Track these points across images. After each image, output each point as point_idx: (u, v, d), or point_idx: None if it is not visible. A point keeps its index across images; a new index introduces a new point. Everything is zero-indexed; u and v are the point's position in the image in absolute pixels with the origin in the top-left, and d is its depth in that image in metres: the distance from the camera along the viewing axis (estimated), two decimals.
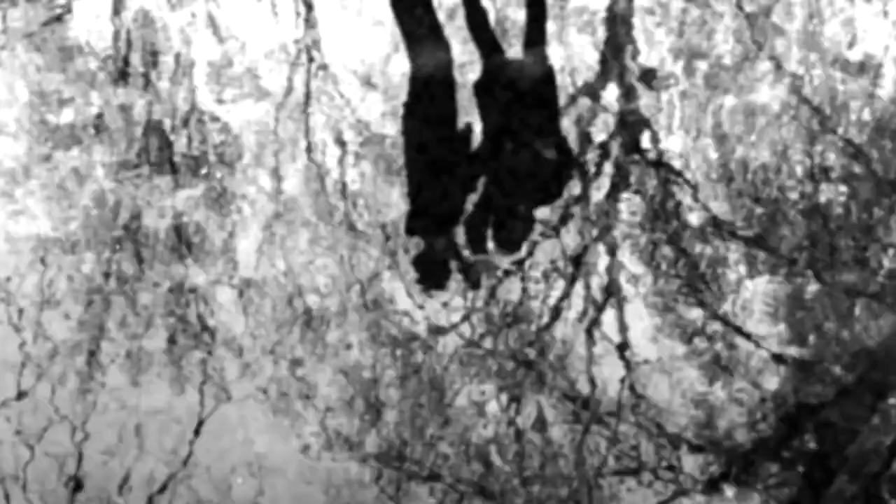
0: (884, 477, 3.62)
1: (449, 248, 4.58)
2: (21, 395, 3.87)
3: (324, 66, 5.82)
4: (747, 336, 4.14)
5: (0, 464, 3.61)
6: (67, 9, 6.17)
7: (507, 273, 4.43)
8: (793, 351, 4.07)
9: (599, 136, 5.25)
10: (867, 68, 5.70)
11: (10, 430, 3.73)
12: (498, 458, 3.67)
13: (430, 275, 4.42)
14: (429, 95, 5.58)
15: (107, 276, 4.38)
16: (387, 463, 3.64)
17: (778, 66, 5.73)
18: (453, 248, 4.58)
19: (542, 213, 4.74)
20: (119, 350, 4.06)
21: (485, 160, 5.07)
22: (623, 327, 4.19)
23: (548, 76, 5.64)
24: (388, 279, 4.39)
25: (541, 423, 3.77)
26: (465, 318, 4.22)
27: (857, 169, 4.98)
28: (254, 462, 3.62)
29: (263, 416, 3.79)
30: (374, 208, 4.77)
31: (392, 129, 5.29)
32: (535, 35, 5.92)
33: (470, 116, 5.33)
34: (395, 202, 4.79)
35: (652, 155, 5.11)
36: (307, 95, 5.59)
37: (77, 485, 3.50)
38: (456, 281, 4.38)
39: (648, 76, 5.66)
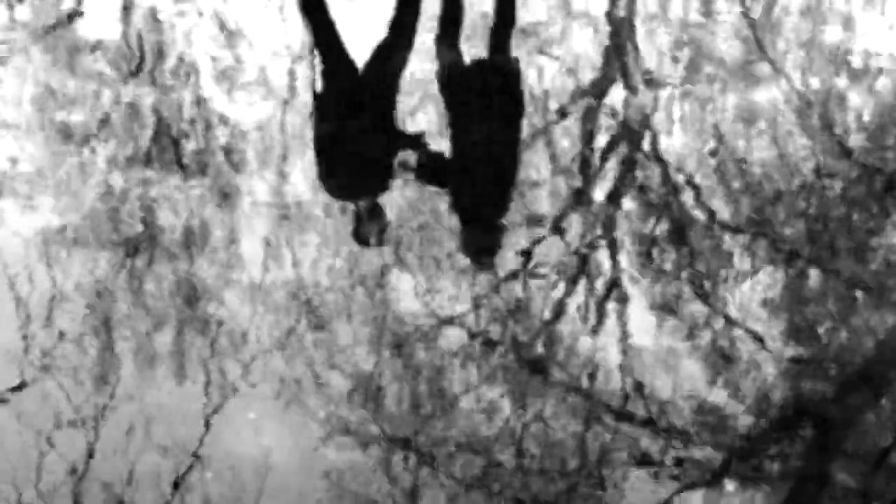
0: (882, 471, 3.62)
1: (375, 211, 4.65)
2: (29, 389, 3.87)
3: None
4: (748, 331, 4.15)
5: (9, 457, 3.62)
6: (77, 9, 6.18)
7: (511, 273, 4.45)
8: (792, 346, 4.08)
9: (602, 135, 5.27)
10: (866, 69, 5.71)
11: (19, 423, 3.74)
12: (501, 452, 3.68)
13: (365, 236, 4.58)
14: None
15: (116, 272, 4.39)
16: (392, 455, 3.66)
17: (778, 67, 5.74)
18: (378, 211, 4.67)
19: (544, 211, 4.76)
20: (127, 345, 4.07)
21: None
22: (625, 323, 4.20)
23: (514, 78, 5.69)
24: (393, 276, 4.40)
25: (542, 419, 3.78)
26: (472, 311, 4.23)
27: (855, 167, 4.99)
28: (261, 455, 3.63)
29: (271, 410, 3.80)
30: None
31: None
32: (500, 38, 5.97)
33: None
34: (400, 201, 4.80)
35: (653, 154, 5.12)
36: (313, 93, 5.60)
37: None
38: (458, 277, 4.40)
39: (649, 77, 5.67)
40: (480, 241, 4.61)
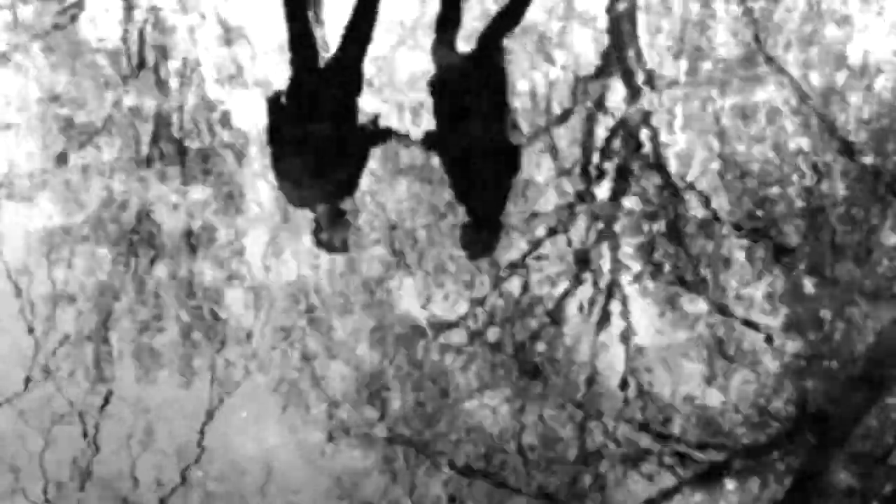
0: (882, 470, 3.63)
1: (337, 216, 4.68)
2: (32, 389, 3.88)
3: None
4: (749, 327, 4.15)
5: (12, 457, 3.62)
6: (79, 8, 6.18)
7: (512, 267, 4.45)
8: (792, 345, 4.08)
9: (604, 134, 5.27)
10: (865, 67, 5.71)
11: (22, 422, 3.74)
12: (503, 449, 3.68)
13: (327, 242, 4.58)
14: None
15: (118, 271, 4.39)
16: (394, 453, 3.66)
17: (778, 66, 5.74)
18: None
19: (547, 209, 4.76)
20: (129, 344, 4.07)
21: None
22: (627, 321, 4.21)
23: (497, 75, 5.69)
24: (395, 276, 4.40)
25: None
26: (472, 313, 4.24)
27: (854, 166, 4.99)
28: (263, 454, 3.63)
29: (272, 409, 3.81)
30: (380, 206, 4.78)
31: (399, 125, 5.31)
32: (495, 34, 5.98)
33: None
34: (402, 200, 4.81)
35: (653, 153, 5.12)
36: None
37: None
38: (461, 278, 4.40)
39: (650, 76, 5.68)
40: (480, 237, 4.61)
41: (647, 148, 5.17)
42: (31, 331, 4.10)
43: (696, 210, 4.75)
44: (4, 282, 4.33)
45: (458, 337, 4.11)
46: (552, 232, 4.64)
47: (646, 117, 5.36)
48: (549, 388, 3.90)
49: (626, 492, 3.55)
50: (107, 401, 3.83)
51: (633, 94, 5.57)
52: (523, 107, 5.48)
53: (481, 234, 4.61)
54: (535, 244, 4.56)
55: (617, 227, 4.66)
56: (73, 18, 6.12)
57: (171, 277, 4.36)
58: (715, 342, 4.10)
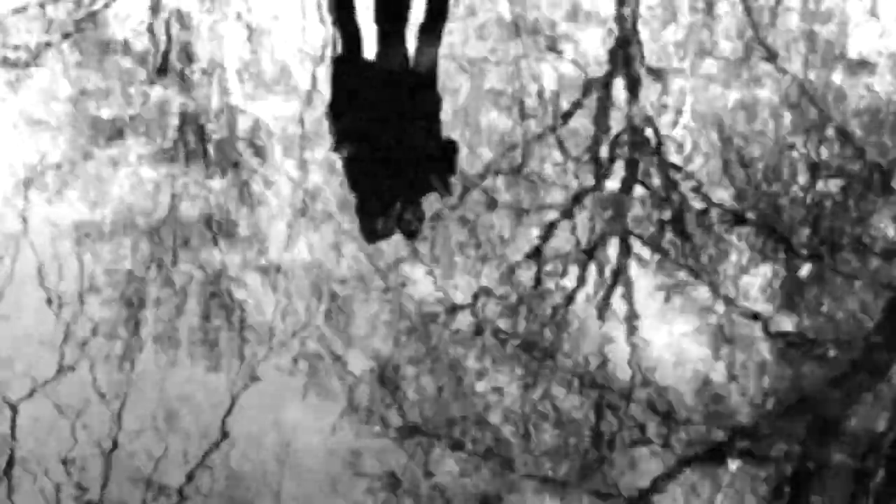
0: (879, 453, 3.61)
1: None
2: (61, 374, 3.88)
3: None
4: (751, 316, 4.14)
5: (41, 441, 3.63)
6: (106, 7, 6.19)
7: (523, 259, 4.45)
8: (791, 331, 4.08)
9: (609, 130, 5.27)
10: (864, 65, 5.69)
11: (51, 407, 3.75)
12: (512, 432, 3.68)
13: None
14: None
15: (144, 261, 4.40)
16: (409, 434, 3.66)
17: (779, 63, 5.73)
18: None
19: (554, 201, 4.75)
20: (155, 331, 4.07)
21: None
22: (632, 308, 4.20)
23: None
24: (409, 265, 4.40)
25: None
26: (476, 298, 4.23)
27: (853, 160, 4.98)
28: (283, 437, 3.63)
29: (292, 392, 3.81)
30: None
31: None
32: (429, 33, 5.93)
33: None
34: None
35: (658, 148, 5.12)
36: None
37: None
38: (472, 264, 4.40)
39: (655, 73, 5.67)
40: (376, 225, 4.60)
41: (653, 142, 5.16)
42: (60, 320, 4.11)
43: (700, 201, 4.74)
44: (35, 273, 4.34)
45: (468, 324, 4.11)
46: (561, 221, 4.63)
47: (649, 113, 5.35)
48: (558, 372, 3.90)
49: (631, 471, 3.54)
50: (134, 385, 3.83)
51: (637, 89, 5.56)
52: (531, 102, 5.48)
53: (378, 223, 4.60)
54: (546, 234, 4.56)
55: (625, 218, 4.65)
56: (100, 16, 6.12)
57: (194, 266, 4.37)
58: (717, 328, 4.09)
